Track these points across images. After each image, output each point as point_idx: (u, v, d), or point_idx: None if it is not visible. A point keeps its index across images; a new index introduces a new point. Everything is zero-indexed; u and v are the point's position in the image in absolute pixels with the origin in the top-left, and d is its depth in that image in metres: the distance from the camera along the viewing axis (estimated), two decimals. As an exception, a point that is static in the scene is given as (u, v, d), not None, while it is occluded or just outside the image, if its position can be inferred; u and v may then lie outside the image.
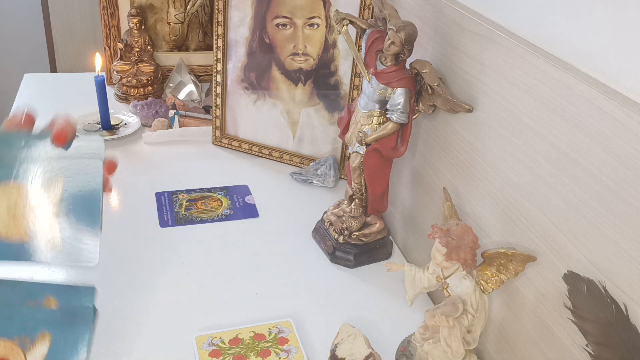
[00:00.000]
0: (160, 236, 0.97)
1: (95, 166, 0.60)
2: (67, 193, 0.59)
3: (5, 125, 0.61)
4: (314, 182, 1.13)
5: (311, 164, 1.15)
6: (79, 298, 0.65)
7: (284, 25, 1.11)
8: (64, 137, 0.59)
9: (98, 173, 0.60)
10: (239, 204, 1.07)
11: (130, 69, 1.38)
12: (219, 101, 1.21)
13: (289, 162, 1.19)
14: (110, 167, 0.61)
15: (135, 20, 1.36)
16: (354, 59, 1.05)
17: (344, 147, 1.13)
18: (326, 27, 1.09)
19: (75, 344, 0.63)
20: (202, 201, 1.06)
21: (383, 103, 0.84)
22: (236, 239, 0.98)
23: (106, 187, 0.61)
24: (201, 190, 1.10)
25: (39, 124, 0.63)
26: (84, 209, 0.59)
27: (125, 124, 1.27)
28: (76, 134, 0.62)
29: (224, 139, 1.23)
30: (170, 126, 1.27)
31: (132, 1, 1.38)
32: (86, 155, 0.61)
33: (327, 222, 0.96)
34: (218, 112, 1.22)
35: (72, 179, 0.59)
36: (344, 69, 1.10)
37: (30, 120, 0.62)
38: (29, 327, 0.62)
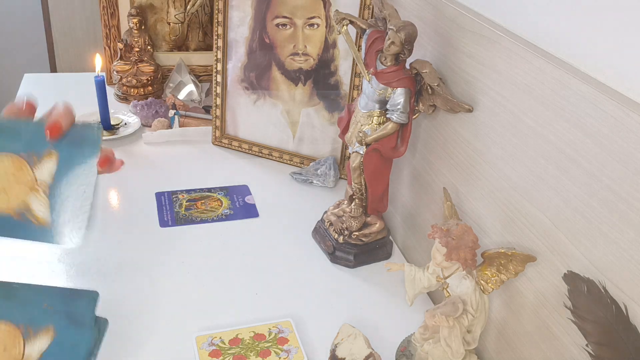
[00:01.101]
0: (160, 236, 0.97)
1: (88, 157, 0.60)
2: (59, 174, 0.59)
3: (6, 113, 0.60)
4: (314, 182, 1.13)
5: (311, 164, 1.15)
6: (80, 303, 0.65)
7: (284, 25, 1.11)
8: (57, 130, 0.59)
9: (91, 165, 0.59)
10: (239, 204, 1.07)
11: (130, 69, 1.38)
12: (219, 101, 1.21)
13: (289, 162, 1.19)
14: (104, 161, 0.60)
15: (135, 20, 1.36)
16: (354, 59, 1.05)
17: (344, 147, 1.13)
18: (326, 27, 1.09)
19: (77, 347, 0.63)
20: (202, 201, 1.06)
21: (383, 103, 0.84)
22: (236, 239, 0.98)
23: (105, 166, 0.60)
24: (201, 190, 1.10)
25: (39, 114, 0.62)
26: (74, 193, 0.59)
27: (125, 124, 1.27)
28: (74, 122, 0.61)
29: (224, 139, 1.23)
30: (170, 126, 1.27)
31: (132, 1, 1.38)
32: (82, 143, 0.60)
33: (327, 222, 0.96)
34: (218, 112, 1.22)
35: (65, 163, 0.59)
36: (344, 69, 1.10)
37: (31, 108, 0.62)
38: (36, 318, 0.62)
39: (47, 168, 0.59)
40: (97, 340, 0.66)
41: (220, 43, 1.16)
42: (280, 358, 0.75)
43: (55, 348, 0.62)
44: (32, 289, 0.65)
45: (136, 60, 1.38)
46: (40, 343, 0.61)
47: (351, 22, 0.86)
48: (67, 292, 0.67)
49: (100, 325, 0.68)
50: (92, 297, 0.65)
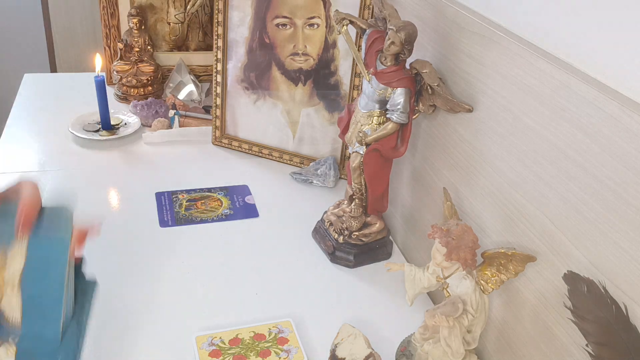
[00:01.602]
0: (160, 236, 0.97)
1: (59, 245, 0.58)
2: (28, 271, 0.57)
3: None
4: (314, 182, 1.13)
5: (311, 164, 1.15)
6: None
7: (284, 25, 1.11)
8: (28, 225, 0.56)
9: (63, 251, 0.58)
10: (239, 204, 1.07)
11: (130, 69, 1.38)
12: (219, 101, 1.21)
13: (289, 162, 1.19)
14: (80, 237, 0.59)
15: (135, 20, 1.36)
16: (354, 59, 1.05)
17: (344, 147, 1.13)
18: (326, 27, 1.09)
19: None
20: (202, 201, 1.06)
21: (383, 103, 0.84)
22: (236, 239, 0.98)
23: (74, 255, 0.59)
24: (201, 190, 1.10)
25: (3, 185, 0.60)
26: (47, 287, 0.58)
27: (125, 124, 1.27)
28: (42, 206, 0.60)
29: (224, 139, 1.23)
30: (170, 126, 1.27)
31: (132, 1, 1.38)
32: (52, 230, 0.59)
33: (327, 222, 0.96)
34: (218, 112, 1.22)
35: (35, 258, 0.57)
36: (344, 69, 1.10)
37: None
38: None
39: (15, 266, 0.57)
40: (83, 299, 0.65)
41: (220, 43, 1.16)
42: (280, 358, 0.75)
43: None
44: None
45: (136, 60, 1.38)
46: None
47: (351, 22, 0.86)
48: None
49: (85, 282, 0.66)
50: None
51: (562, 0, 0.62)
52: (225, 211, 1.04)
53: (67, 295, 0.60)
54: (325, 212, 0.98)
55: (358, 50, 0.92)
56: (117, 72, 1.39)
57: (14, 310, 0.57)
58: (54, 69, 2.25)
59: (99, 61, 1.23)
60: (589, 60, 0.58)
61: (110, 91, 1.36)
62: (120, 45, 1.38)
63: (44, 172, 1.11)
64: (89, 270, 0.71)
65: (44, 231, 0.59)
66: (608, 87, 0.55)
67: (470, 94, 0.76)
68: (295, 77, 1.14)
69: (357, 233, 0.93)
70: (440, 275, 0.70)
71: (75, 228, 0.60)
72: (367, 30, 0.85)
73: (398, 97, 0.82)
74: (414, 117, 0.85)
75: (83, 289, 0.68)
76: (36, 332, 0.58)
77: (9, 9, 2.23)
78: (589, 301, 0.54)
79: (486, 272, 0.67)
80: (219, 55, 1.17)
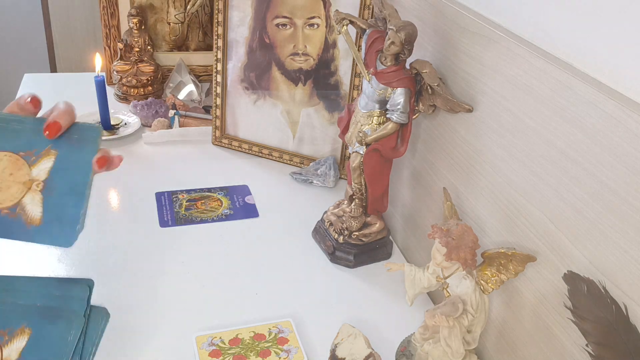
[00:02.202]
0: (160, 236, 0.97)
1: (86, 157, 0.60)
2: (54, 172, 0.59)
3: (9, 108, 0.61)
4: (314, 182, 1.13)
5: (311, 164, 1.15)
6: (71, 294, 0.64)
7: (284, 25, 1.11)
8: (56, 129, 0.59)
9: (88, 164, 0.60)
10: (239, 204, 1.07)
11: (130, 69, 1.38)
12: (219, 101, 1.21)
13: (289, 162, 1.19)
14: (101, 161, 0.60)
15: (135, 20, 1.36)
16: (354, 59, 1.05)
17: (344, 147, 1.13)
18: (326, 27, 1.09)
19: (59, 341, 0.62)
20: (202, 201, 1.06)
21: (383, 103, 0.84)
22: (236, 239, 0.98)
23: (104, 165, 0.60)
24: (201, 190, 1.10)
25: (42, 112, 0.62)
26: (70, 192, 0.59)
27: (125, 124, 1.27)
28: (75, 122, 0.62)
29: (224, 139, 1.23)
30: (170, 126, 1.27)
31: (132, 1, 1.38)
32: (80, 142, 0.61)
33: (327, 222, 0.96)
34: (218, 112, 1.22)
35: (63, 161, 0.60)
36: (344, 69, 1.10)
37: (35, 103, 0.62)
38: (9, 320, 0.62)
39: (44, 166, 0.59)
40: (90, 330, 0.66)
41: (220, 43, 1.16)
42: (280, 358, 0.75)
43: (35, 345, 0.61)
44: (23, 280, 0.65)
45: (136, 60, 1.38)
46: (17, 344, 0.61)
47: (351, 22, 0.86)
48: (61, 281, 0.67)
49: (97, 315, 0.67)
50: (86, 284, 0.65)
51: (562, 0, 0.62)
52: (225, 211, 1.04)
53: (87, 201, 0.61)
54: (325, 212, 0.98)
55: (358, 50, 0.92)
56: (117, 72, 1.39)
57: (35, 206, 0.59)
58: (54, 69, 2.25)
59: (99, 61, 1.23)
60: (589, 60, 0.58)
61: (110, 91, 1.36)
62: (120, 45, 1.38)
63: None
64: (91, 271, 0.71)
65: (73, 139, 0.61)
66: (608, 87, 0.55)
67: (470, 94, 0.76)
68: (295, 77, 1.14)
69: (357, 233, 0.93)
70: (440, 275, 0.70)
71: (100, 148, 0.61)
72: (367, 30, 0.85)
73: (398, 97, 0.82)
74: (414, 117, 0.85)
75: (93, 317, 0.68)
76: (52, 231, 0.59)
77: (9, 9, 2.23)
78: (589, 301, 0.54)
79: (486, 272, 0.67)
80: (219, 55, 1.17)
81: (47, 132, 0.59)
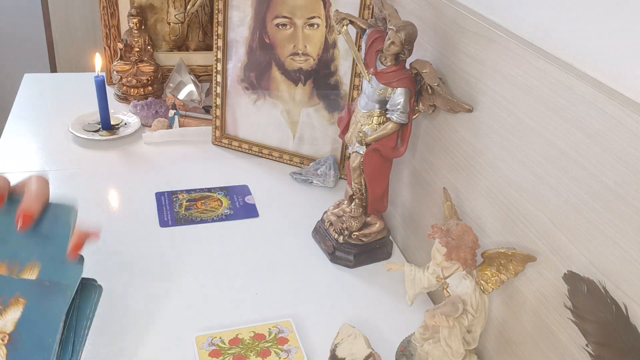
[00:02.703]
0: (160, 236, 0.97)
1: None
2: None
3: None
4: (314, 182, 1.13)
5: (311, 164, 1.15)
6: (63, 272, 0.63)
7: (284, 25, 1.11)
8: (29, 220, 0.56)
9: (59, 316, 0.58)
10: (239, 204, 1.07)
11: (130, 69, 1.38)
12: (219, 101, 1.21)
13: (289, 162, 1.19)
14: (80, 239, 0.58)
15: (135, 20, 1.36)
16: (354, 59, 1.05)
17: (344, 147, 1.13)
18: (326, 27, 1.09)
19: (54, 314, 0.60)
20: (202, 201, 1.06)
21: (383, 103, 0.84)
22: (236, 239, 0.98)
23: (72, 253, 0.58)
24: (201, 190, 1.10)
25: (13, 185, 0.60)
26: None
27: (125, 124, 1.28)
28: (48, 202, 0.59)
29: (224, 139, 1.23)
30: (170, 126, 1.27)
31: (132, 1, 1.38)
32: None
33: (327, 222, 0.96)
34: (218, 112, 1.22)
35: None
36: (344, 69, 1.10)
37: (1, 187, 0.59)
38: (2, 289, 0.60)
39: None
40: (83, 304, 0.65)
41: (220, 43, 1.16)
42: (280, 358, 0.75)
43: (29, 318, 0.60)
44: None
45: (136, 60, 1.38)
46: (12, 314, 0.60)
47: (351, 22, 0.86)
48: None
49: (89, 288, 0.66)
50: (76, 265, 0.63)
51: (562, 0, 0.62)
52: (225, 211, 1.04)
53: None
54: (325, 212, 0.98)
55: (358, 50, 0.92)
56: (117, 72, 1.39)
57: None
58: (54, 69, 2.25)
59: (99, 61, 1.23)
60: (589, 60, 0.58)
61: (110, 91, 1.36)
62: (120, 45, 1.38)
63: (44, 172, 1.11)
64: (91, 272, 0.71)
65: (45, 227, 0.58)
66: (608, 87, 0.55)
67: (470, 94, 0.76)
68: (295, 77, 1.14)
69: (357, 233, 0.93)
70: (440, 275, 0.70)
71: (76, 229, 0.59)
72: (367, 30, 0.85)
73: (398, 97, 0.82)
74: (414, 117, 0.85)
75: (86, 292, 0.68)
76: None
77: (9, 9, 2.23)
78: (589, 301, 0.54)
79: (486, 272, 0.67)
80: (219, 55, 1.17)
81: (19, 226, 0.56)
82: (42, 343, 0.59)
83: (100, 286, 0.68)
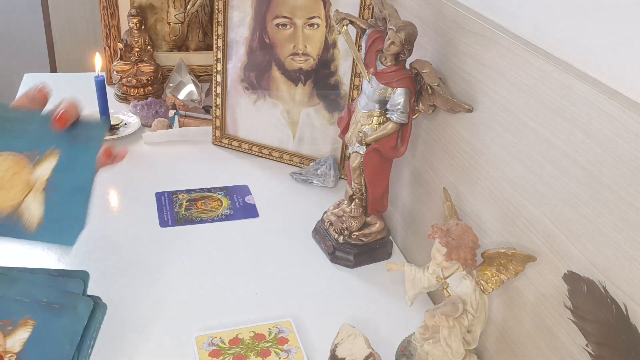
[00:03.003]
0: (160, 236, 0.97)
1: (90, 155, 0.60)
2: (58, 171, 0.59)
3: (18, 102, 0.61)
4: (314, 182, 1.13)
5: (311, 164, 1.15)
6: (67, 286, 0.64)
7: (284, 25, 1.11)
8: (64, 120, 0.59)
9: (92, 163, 0.60)
10: (239, 204, 1.07)
11: (130, 69, 1.38)
12: (219, 101, 1.21)
13: (289, 162, 1.19)
14: (105, 155, 0.60)
15: (135, 20, 1.36)
16: (354, 59, 1.05)
17: (344, 147, 1.13)
18: (326, 27, 1.09)
19: (62, 335, 0.62)
20: (202, 201, 1.06)
21: (383, 103, 0.84)
22: (236, 239, 0.98)
23: (107, 160, 0.61)
24: (201, 190, 1.10)
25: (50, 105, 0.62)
26: (73, 190, 0.59)
27: (125, 124, 1.28)
28: (79, 118, 0.62)
29: (224, 139, 1.23)
30: (170, 126, 1.27)
31: (132, 1, 1.38)
32: (84, 140, 0.61)
33: (327, 222, 0.96)
34: (218, 112, 1.22)
35: (66, 160, 0.60)
36: (344, 69, 1.10)
37: (42, 96, 0.62)
38: (12, 311, 0.62)
39: (48, 165, 0.59)
40: (89, 322, 0.66)
41: (220, 43, 1.16)
42: (280, 358, 0.75)
43: (38, 337, 0.62)
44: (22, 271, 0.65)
45: (136, 60, 1.38)
46: (21, 334, 0.61)
47: (351, 22, 0.86)
48: (56, 274, 0.67)
49: (94, 308, 0.67)
50: (81, 277, 0.65)
51: (562, 0, 0.62)
52: (225, 211, 1.04)
53: (89, 203, 0.60)
54: (325, 212, 0.98)
55: (358, 50, 0.92)
56: (117, 72, 1.39)
57: (37, 206, 0.58)
58: (54, 69, 2.25)
59: (99, 61, 1.23)
60: (589, 60, 0.58)
61: (110, 91, 1.36)
62: (120, 45, 1.38)
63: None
64: (91, 272, 0.71)
65: (77, 137, 0.60)
66: (608, 87, 0.55)
67: (470, 94, 0.76)
68: (295, 77, 1.14)
69: (357, 233, 0.93)
70: (440, 275, 0.70)
71: (105, 144, 0.61)
72: (367, 30, 0.85)
73: (398, 97, 0.82)
74: (414, 117, 0.85)
75: (92, 310, 0.68)
76: (54, 230, 0.58)
77: (9, 9, 2.23)
78: (589, 301, 0.54)
79: (486, 272, 0.67)
80: (219, 55, 1.17)
81: (56, 123, 0.59)
82: None
83: (105, 305, 0.69)
